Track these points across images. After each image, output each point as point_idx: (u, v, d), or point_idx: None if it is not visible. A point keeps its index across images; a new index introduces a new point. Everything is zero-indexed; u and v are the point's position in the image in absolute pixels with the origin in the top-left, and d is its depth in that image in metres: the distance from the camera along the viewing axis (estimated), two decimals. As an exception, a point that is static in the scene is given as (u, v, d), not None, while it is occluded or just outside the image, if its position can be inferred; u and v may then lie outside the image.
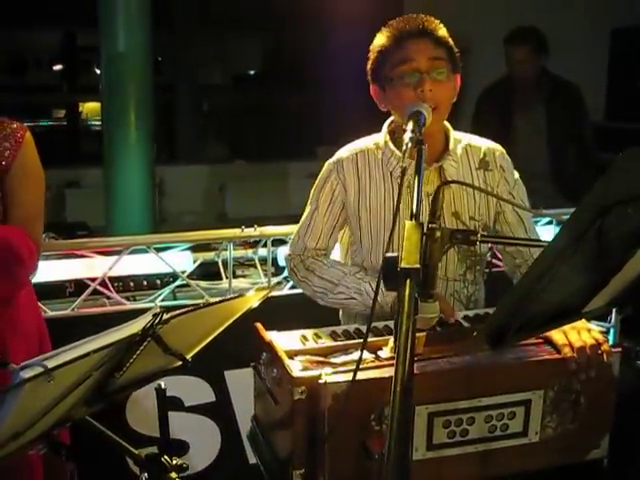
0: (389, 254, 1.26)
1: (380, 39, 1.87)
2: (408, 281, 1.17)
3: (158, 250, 2.50)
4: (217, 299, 1.51)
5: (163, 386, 1.53)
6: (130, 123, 4.55)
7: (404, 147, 1.45)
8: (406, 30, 1.82)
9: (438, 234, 1.37)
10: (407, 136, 1.48)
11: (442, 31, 1.85)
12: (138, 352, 1.21)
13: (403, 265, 1.19)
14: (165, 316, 1.22)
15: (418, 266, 1.19)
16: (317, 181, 2.01)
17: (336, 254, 2.09)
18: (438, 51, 1.82)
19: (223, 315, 1.49)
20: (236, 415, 2.73)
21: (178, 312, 1.25)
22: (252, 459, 2.73)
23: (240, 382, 2.64)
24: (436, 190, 1.45)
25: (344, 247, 2.09)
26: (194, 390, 2.61)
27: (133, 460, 1.52)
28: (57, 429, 1.30)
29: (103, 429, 1.52)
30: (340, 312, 2.09)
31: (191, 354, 1.50)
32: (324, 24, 9.30)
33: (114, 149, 4.65)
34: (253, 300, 1.49)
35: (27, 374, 1.03)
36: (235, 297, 1.59)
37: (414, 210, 1.32)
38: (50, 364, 1.03)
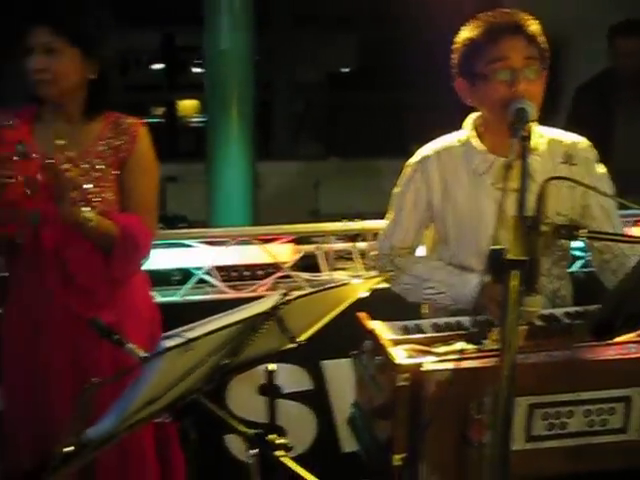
0: (494, 247, 1.30)
1: (470, 32, 1.86)
2: (515, 272, 1.21)
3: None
4: (334, 284, 1.57)
5: (272, 368, 1.61)
6: (232, 120, 4.69)
7: (511, 143, 1.48)
8: (500, 25, 1.82)
9: (543, 228, 1.39)
10: (513, 132, 1.51)
11: (535, 27, 1.84)
12: (261, 330, 1.29)
13: (510, 257, 1.22)
14: (290, 296, 1.30)
15: (525, 258, 1.22)
16: (401, 181, 2.04)
17: (419, 253, 2.12)
18: (531, 49, 1.81)
19: (333, 302, 1.56)
20: (332, 404, 2.79)
21: (302, 293, 1.33)
22: (346, 448, 2.81)
23: (337, 372, 2.71)
24: (541, 185, 1.47)
25: (428, 246, 2.12)
26: (292, 378, 2.69)
27: (242, 437, 1.59)
28: (183, 400, 1.39)
29: (213, 407, 1.60)
30: (423, 309, 2.14)
31: (302, 337, 1.56)
32: (418, 21, 9.27)
33: (216, 145, 4.79)
34: (364, 288, 1.54)
35: (169, 343, 1.11)
36: (347, 283, 1.65)
37: (520, 204, 1.35)
38: (189, 335, 1.11)
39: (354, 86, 13.52)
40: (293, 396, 2.74)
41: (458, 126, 2.01)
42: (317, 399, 2.79)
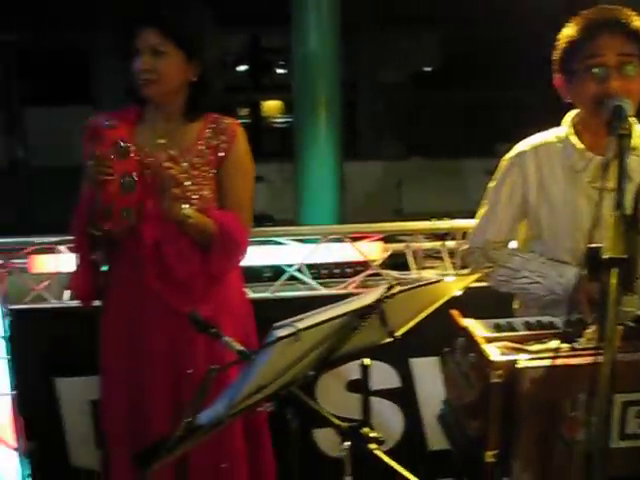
0: (592, 245, 1.30)
1: (570, 29, 1.87)
2: (614, 270, 1.21)
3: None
4: (432, 280, 1.60)
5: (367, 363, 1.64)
6: (320, 119, 4.75)
7: (609, 142, 1.47)
8: (597, 22, 1.82)
9: (641, 227, 1.38)
10: (611, 130, 1.50)
11: (636, 23, 1.82)
12: (364, 323, 1.33)
13: (609, 255, 1.22)
14: (394, 290, 1.34)
15: (624, 256, 1.22)
16: (497, 175, 2.05)
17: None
18: (629, 46, 1.80)
19: (429, 299, 1.59)
20: (419, 402, 2.81)
21: (404, 287, 1.36)
22: (433, 446, 2.82)
23: (425, 370, 2.73)
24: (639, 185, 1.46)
25: (520, 241, 2.12)
26: (381, 375, 2.71)
27: (336, 430, 1.64)
28: (285, 390, 1.44)
29: (307, 399, 1.65)
30: (515, 304, 2.14)
31: (399, 332, 1.60)
32: (502, 20, 9.17)
33: (304, 144, 4.86)
34: (459, 286, 1.57)
35: (281, 333, 1.16)
36: (444, 280, 1.67)
37: (618, 202, 1.34)
38: (299, 325, 1.16)
39: (437, 85, 13.47)
40: (381, 393, 2.76)
41: (543, 126, 2.02)
42: (405, 397, 2.81)
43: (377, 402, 2.77)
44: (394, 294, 1.36)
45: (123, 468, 2.24)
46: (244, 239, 2.11)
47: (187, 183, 2.05)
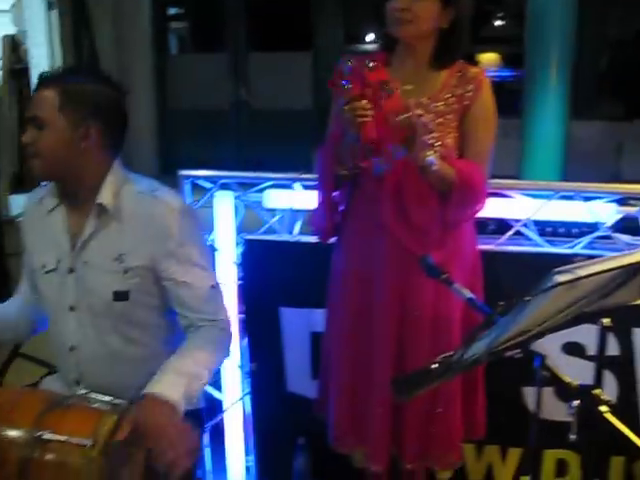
0: None
1: None
2: None
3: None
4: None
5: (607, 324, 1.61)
6: (551, 76, 4.59)
7: None
8: None
9: None
10: None
11: None
12: (634, 279, 1.30)
13: None
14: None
15: None
16: None
17: None
18: None
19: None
20: (637, 373, 2.70)
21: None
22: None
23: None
24: None
25: None
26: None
27: (567, 388, 1.62)
28: (534, 341, 1.45)
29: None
30: None
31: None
32: None
33: (534, 99, 4.73)
34: None
35: (561, 278, 1.16)
36: None
37: None
38: (580, 273, 1.16)
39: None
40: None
41: None
42: (622, 366, 2.71)
43: (592, 367, 2.70)
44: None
45: (341, 398, 2.36)
46: (483, 190, 2.12)
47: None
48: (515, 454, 2.69)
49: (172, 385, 1.80)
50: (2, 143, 5.85)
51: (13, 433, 1.63)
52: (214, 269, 2.09)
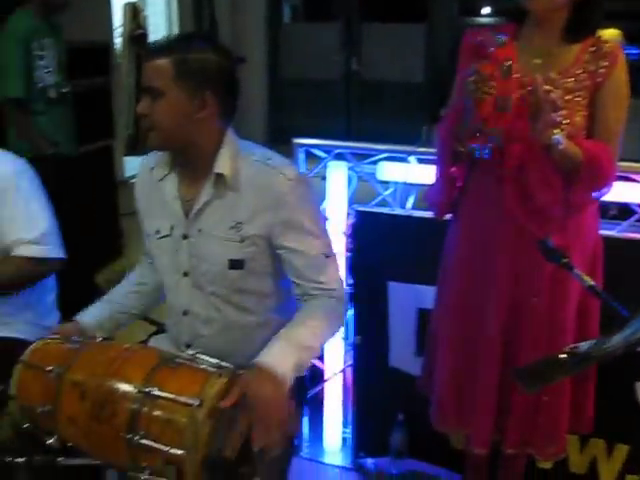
0: None
1: None
2: None
3: None
4: None
5: None
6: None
7: None
8: None
9: None
10: None
11: None
12: None
13: None
14: None
15: None
16: None
17: None
18: None
19: None
20: None
21: None
22: None
23: None
24: None
25: None
26: None
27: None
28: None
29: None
30: None
31: None
32: None
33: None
34: None
35: None
36: None
37: None
38: None
39: None
40: None
41: None
42: None
43: None
44: None
45: (446, 379, 2.32)
46: (612, 172, 2.01)
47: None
48: (622, 450, 2.57)
49: (283, 357, 1.78)
50: (120, 107, 6.02)
51: (125, 387, 1.66)
52: (329, 238, 2.06)
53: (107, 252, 4.73)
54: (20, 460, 1.80)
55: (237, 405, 1.65)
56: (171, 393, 1.61)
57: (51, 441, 1.74)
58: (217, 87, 1.91)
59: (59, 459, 1.79)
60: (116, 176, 5.77)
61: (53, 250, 2.52)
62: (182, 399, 1.60)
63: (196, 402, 1.58)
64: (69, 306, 2.26)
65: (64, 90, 4.18)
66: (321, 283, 1.97)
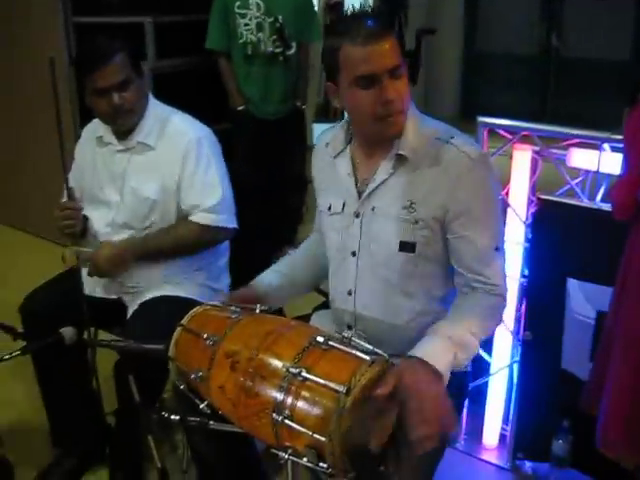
0: None
1: None
2: None
3: None
4: None
5: None
6: None
7: None
8: None
9: None
10: None
11: None
12: None
13: None
14: None
15: None
16: None
17: None
18: None
19: None
20: None
21: None
22: None
23: None
24: None
25: None
26: None
27: None
28: None
29: None
30: None
31: None
32: None
33: None
34: None
35: None
36: None
37: None
38: None
39: None
40: None
41: None
42: None
43: None
44: None
45: (618, 398, 2.11)
46: None
47: None
48: None
49: (442, 352, 1.68)
50: (311, 75, 6.08)
51: (275, 364, 1.63)
52: (502, 231, 1.92)
53: (293, 218, 4.80)
54: (175, 418, 1.83)
55: (388, 396, 1.56)
56: (319, 377, 1.55)
57: (202, 406, 1.74)
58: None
59: (210, 423, 1.80)
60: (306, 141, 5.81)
61: (226, 219, 2.58)
62: (329, 384, 1.53)
63: (343, 389, 1.51)
64: (241, 270, 2.27)
65: (267, 50, 4.27)
66: (485, 277, 1.85)
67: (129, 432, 2.44)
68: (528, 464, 2.76)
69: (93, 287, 2.67)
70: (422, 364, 1.63)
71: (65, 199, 2.62)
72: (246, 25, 4.21)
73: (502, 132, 2.67)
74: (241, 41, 4.25)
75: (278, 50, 4.29)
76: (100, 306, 2.67)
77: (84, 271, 2.56)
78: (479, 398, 2.93)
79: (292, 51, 4.33)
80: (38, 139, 4.75)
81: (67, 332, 2.14)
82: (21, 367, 2.76)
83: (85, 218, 2.68)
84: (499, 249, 1.87)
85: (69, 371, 2.73)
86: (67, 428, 2.84)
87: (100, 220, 2.67)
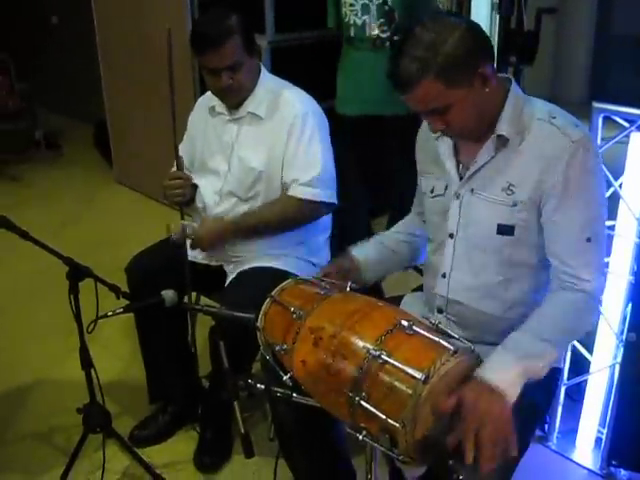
0: None
1: None
2: None
3: None
4: None
5: None
6: None
7: None
8: None
9: None
10: None
11: None
12: None
13: None
14: None
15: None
16: None
17: None
18: None
19: None
20: None
21: None
22: None
23: None
24: None
25: None
26: None
27: None
28: None
29: None
30: None
31: None
32: None
33: None
34: None
35: None
36: None
37: None
38: None
39: None
40: None
41: None
42: None
43: None
44: None
45: None
46: None
47: None
48: None
49: (508, 368, 1.58)
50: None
51: (357, 344, 1.62)
52: (599, 223, 1.80)
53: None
54: (260, 387, 1.86)
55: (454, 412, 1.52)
56: (399, 361, 1.53)
57: (285, 378, 1.76)
58: (489, 53, 1.80)
59: (294, 395, 1.82)
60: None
61: (324, 194, 2.58)
62: (408, 370, 1.51)
63: (422, 377, 1.49)
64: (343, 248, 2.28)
65: (372, 34, 4.00)
66: (573, 269, 1.77)
67: (220, 396, 2.51)
68: (623, 472, 2.63)
69: (196, 253, 2.74)
70: (484, 384, 1.55)
71: (174, 169, 2.69)
72: (351, 5, 3.97)
73: (620, 119, 2.53)
74: (345, 21, 4.03)
75: (385, 35, 3.99)
76: (202, 272, 2.75)
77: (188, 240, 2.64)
78: (578, 396, 2.83)
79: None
80: (163, 106, 4.89)
81: (168, 295, 2.23)
82: (132, 324, 2.89)
83: (194, 187, 2.75)
84: (592, 241, 1.77)
85: (169, 332, 2.83)
86: (164, 386, 2.95)
87: (208, 188, 2.74)
